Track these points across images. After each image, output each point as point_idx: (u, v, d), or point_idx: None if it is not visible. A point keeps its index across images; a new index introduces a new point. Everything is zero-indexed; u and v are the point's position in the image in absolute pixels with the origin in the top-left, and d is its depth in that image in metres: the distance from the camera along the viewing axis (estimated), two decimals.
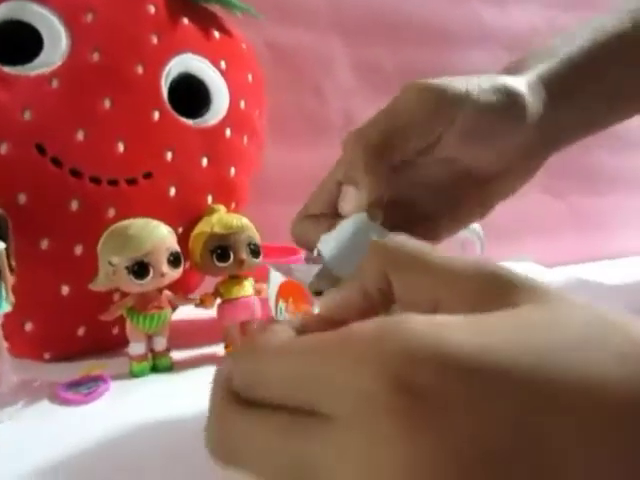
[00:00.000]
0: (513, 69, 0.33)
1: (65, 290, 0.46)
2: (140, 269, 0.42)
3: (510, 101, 0.29)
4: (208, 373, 0.43)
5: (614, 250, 1.00)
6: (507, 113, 0.30)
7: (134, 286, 0.43)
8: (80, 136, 0.45)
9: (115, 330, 0.49)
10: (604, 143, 0.98)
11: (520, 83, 0.31)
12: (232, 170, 0.54)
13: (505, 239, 0.88)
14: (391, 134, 0.28)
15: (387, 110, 0.29)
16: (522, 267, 0.85)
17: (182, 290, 0.53)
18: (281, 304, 0.39)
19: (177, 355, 0.49)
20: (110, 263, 0.42)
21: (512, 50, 0.87)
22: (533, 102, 0.31)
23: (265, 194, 0.67)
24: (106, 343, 0.50)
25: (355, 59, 0.77)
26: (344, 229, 0.28)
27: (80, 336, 0.48)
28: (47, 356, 0.48)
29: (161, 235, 0.44)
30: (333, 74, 0.76)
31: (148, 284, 0.43)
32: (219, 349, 0.50)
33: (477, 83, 0.29)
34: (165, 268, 0.44)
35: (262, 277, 0.51)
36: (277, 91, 0.69)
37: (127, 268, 0.42)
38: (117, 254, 0.42)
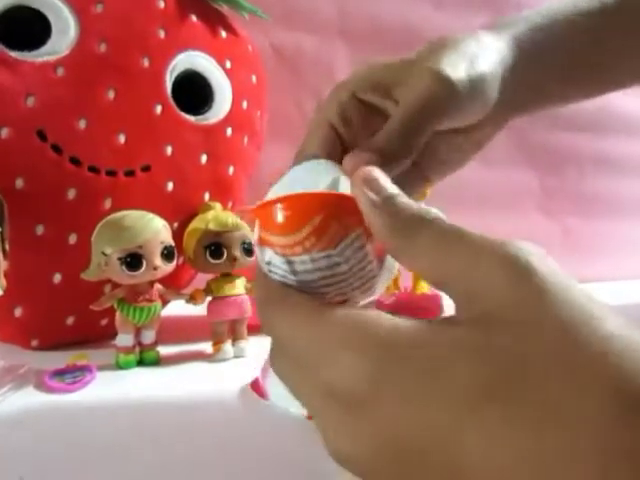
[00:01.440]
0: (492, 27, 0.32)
1: (57, 278, 0.46)
2: (133, 261, 0.42)
3: (489, 89, 0.28)
4: (194, 369, 0.43)
5: (605, 273, 1.00)
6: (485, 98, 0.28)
7: (126, 277, 0.43)
8: (82, 125, 0.46)
9: (104, 321, 0.49)
10: (601, 168, 1.00)
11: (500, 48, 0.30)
12: (231, 169, 0.55)
13: None
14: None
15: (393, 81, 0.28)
16: None
17: (174, 285, 0.53)
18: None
19: (164, 350, 0.49)
20: (103, 253, 0.42)
21: None
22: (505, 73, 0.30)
23: (259, 197, 0.67)
24: (94, 334, 0.50)
25: (357, 62, 0.77)
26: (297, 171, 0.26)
27: (69, 325, 0.48)
28: (35, 343, 0.48)
29: (156, 228, 0.44)
30: (335, 79, 0.76)
31: (140, 276, 0.43)
32: (207, 346, 0.50)
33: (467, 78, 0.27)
34: (158, 261, 0.44)
35: (254, 277, 0.51)
36: (279, 92, 0.70)
37: (120, 259, 0.42)
38: (110, 245, 0.42)
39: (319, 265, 0.21)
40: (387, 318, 0.18)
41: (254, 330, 0.55)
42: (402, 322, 0.18)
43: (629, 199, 1.04)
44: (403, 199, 0.20)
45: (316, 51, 0.74)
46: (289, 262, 0.21)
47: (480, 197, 0.89)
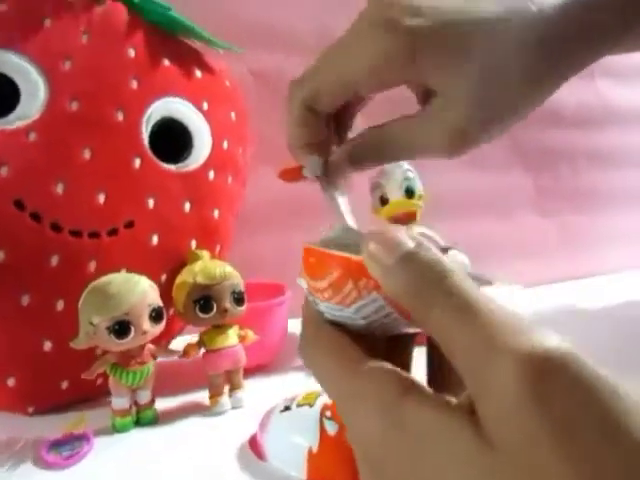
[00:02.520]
0: None
1: (47, 345, 0.45)
2: (121, 328, 0.42)
3: None
4: (192, 425, 0.43)
5: (604, 267, 1.00)
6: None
7: (115, 345, 0.43)
8: (60, 189, 0.45)
9: (99, 381, 0.48)
10: (594, 162, 0.98)
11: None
12: (216, 212, 0.54)
13: (495, 261, 0.88)
14: None
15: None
16: (511, 293, 0.85)
17: (167, 335, 0.53)
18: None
19: (161, 404, 0.49)
20: (90, 323, 0.42)
21: None
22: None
23: (249, 225, 0.66)
24: (90, 394, 0.49)
25: None
26: None
27: (64, 389, 0.47)
28: (31, 410, 0.47)
29: (142, 291, 0.43)
30: None
31: (129, 343, 0.43)
32: (204, 396, 0.50)
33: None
34: (146, 325, 0.43)
35: (245, 322, 0.51)
36: (262, 119, 0.68)
37: (108, 328, 0.42)
38: (97, 314, 0.42)
39: (340, 314, 0.23)
40: (417, 392, 0.18)
41: (253, 372, 0.55)
42: (426, 402, 0.18)
43: (623, 191, 1.03)
44: (418, 256, 0.19)
45: (297, 72, 0.72)
46: (315, 303, 0.23)
47: (475, 201, 0.88)
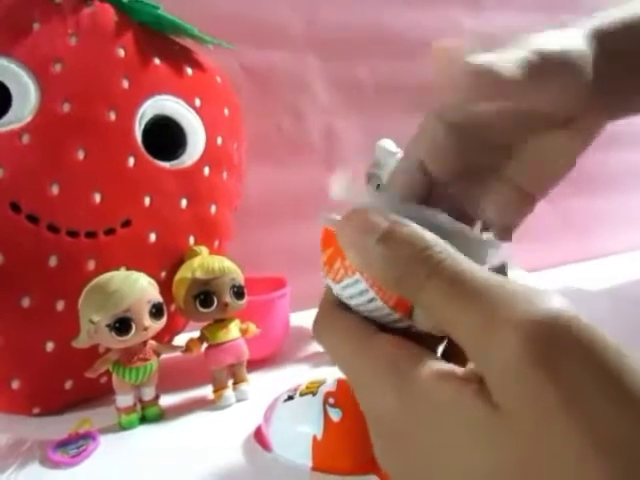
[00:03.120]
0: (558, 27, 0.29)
1: (50, 346, 0.46)
2: (122, 325, 0.42)
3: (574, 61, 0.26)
4: (197, 419, 0.43)
5: (606, 249, 1.00)
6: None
7: (117, 343, 0.43)
8: (55, 190, 0.45)
9: (103, 379, 0.49)
10: (595, 144, 0.98)
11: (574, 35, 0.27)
12: (213, 208, 0.54)
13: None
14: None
15: None
16: (511, 275, 0.85)
17: (169, 332, 0.53)
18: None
19: (166, 400, 0.49)
20: (91, 321, 0.42)
21: None
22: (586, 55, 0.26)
23: (247, 220, 0.66)
24: (95, 393, 0.50)
25: (332, 76, 0.76)
26: None
27: (68, 389, 0.48)
28: (36, 411, 0.47)
29: (141, 288, 0.43)
30: (311, 93, 0.75)
31: (131, 339, 0.43)
32: (208, 391, 0.50)
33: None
34: (147, 321, 0.43)
35: (247, 316, 0.51)
36: (255, 114, 0.68)
37: (108, 326, 0.42)
38: (97, 312, 0.42)
39: (335, 291, 0.23)
40: (428, 364, 0.18)
41: (256, 365, 0.55)
42: (437, 373, 0.18)
43: (625, 172, 1.02)
44: (394, 235, 0.18)
45: (288, 66, 0.72)
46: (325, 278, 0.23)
47: None
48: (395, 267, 0.18)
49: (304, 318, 0.67)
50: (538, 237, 0.94)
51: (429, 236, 0.18)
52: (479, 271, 0.17)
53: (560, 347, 0.15)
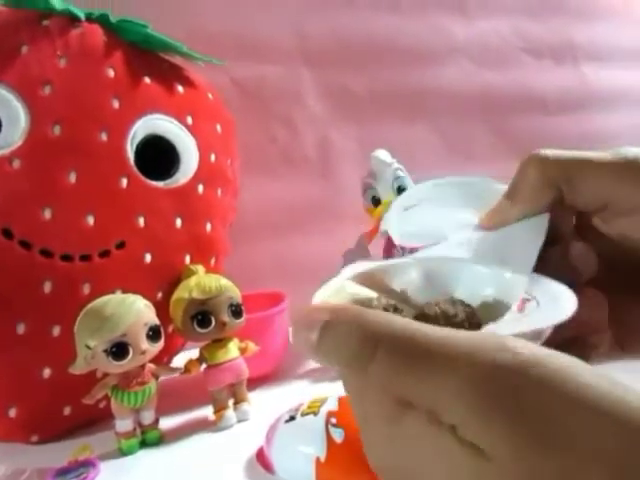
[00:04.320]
0: None
1: (47, 372, 0.45)
2: (119, 350, 0.42)
3: None
4: (198, 442, 0.42)
5: None
6: None
7: (114, 368, 0.42)
8: (47, 215, 0.44)
9: (102, 404, 0.48)
10: (583, 147, 0.98)
11: None
12: (208, 225, 0.54)
13: None
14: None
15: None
16: None
17: (168, 353, 0.52)
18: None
19: (166, 422, 0.48)
20: (87, 347, 0.42)
21: (481, 62, 0.87)
22: None
23: (242, 234, 0.66)
24: (94, 418, 0.49)
25: (325, 87, 0.76)
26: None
27: (66, 415, 0.47)
28: (34, 438, 0.47)
29: (138, 311, 0.43)
30: (304, 105, 0.75)
31: (128, 364, 0.42)
32: (208, 411, 0.49)
33: None
34: (144, 345, 0.43)
35: (246, 333, 0.50)
36: (249, 128, 0.68)
37: (105, 351, 0.41)
38: (93, 337, 0.41)
39: None
40: None
41: (256, 382, 0.55)
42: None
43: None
44: (334, 324, 0.18)
45: (280, 79, 0.72)
46: None
47: None
48: (339, 353, 0.18)
49: None
50: None
51: (368, 312, 0.18)
52: (419, 328, 0.17)
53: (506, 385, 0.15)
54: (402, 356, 0.17)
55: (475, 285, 0.23)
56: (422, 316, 0.21)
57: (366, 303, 0.23)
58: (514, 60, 0.90)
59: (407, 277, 0.25)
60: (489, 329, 0.20)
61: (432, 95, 0.81)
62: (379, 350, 0.17)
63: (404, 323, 0.18)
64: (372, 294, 0.24)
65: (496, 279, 0.23)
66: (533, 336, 0.18)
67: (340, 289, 0.24)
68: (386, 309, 0.22)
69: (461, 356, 0.16)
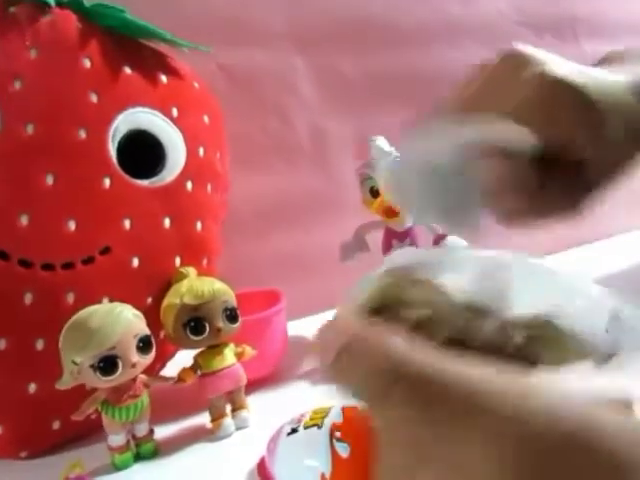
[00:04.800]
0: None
1: (32, 388, 0.43)
2: (107, 365, 0.39)
3: None
4: (195, 453, 0.40)
5: (602, 231, 0.98)
6: None
7: (103, 383, 0.40)
8: (24, 221, 0.41)
9: (93, 415, 0.46)
10: None
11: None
12: (198, 225, 0.51)
13: (493, 236, 0.86)
14: None
15: None
16: None
17: (160, 360, 0.50)
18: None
19: (161, 432, 0.46)
20: (73, 362, 0.39)
21: (481, 42, 0.83)
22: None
23: (234, 229, 0.63)
24: (85, 431, 0.47)
25: (316, 72, 0.72)
26: None
27: (56, 430, 0.45)
28: (24, 454, 0.45)
29: (126, 322, 0.40)
30: (296, 92, 0.71)
31: (118, 378, 0.40)
32: (204, 419, 0.47)
33: None
34: (135, 357, 0.40)
35: (242, 336, 0.48)
36: (238, 117, 0.65)
37: (92, 366, 0.39)
38: (79, 352, 0.39)
39: None
40: None
41: (254, 386, 0.52)
42: None
43: None
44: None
45: (270, 65, 0.68)
46: None
47: None
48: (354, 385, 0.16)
49: (301, 327, 0.64)
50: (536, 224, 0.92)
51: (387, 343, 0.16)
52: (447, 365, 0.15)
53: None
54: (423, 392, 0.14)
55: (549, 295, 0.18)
56: (457, 342, 0.16)
57: (393, 312, 0.18)
58: (514, 38, 0.86)
59: (456, 277, 0.19)
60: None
61: (430, 78, 0.77)
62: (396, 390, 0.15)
63: (427, 360, 0.15)
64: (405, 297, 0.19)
65: (579, 293, 0.18)
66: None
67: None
68: (418, 326, 0.17)
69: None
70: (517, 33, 0.87)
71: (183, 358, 0.49)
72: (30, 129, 0.42)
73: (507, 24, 0.85)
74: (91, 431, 0.47)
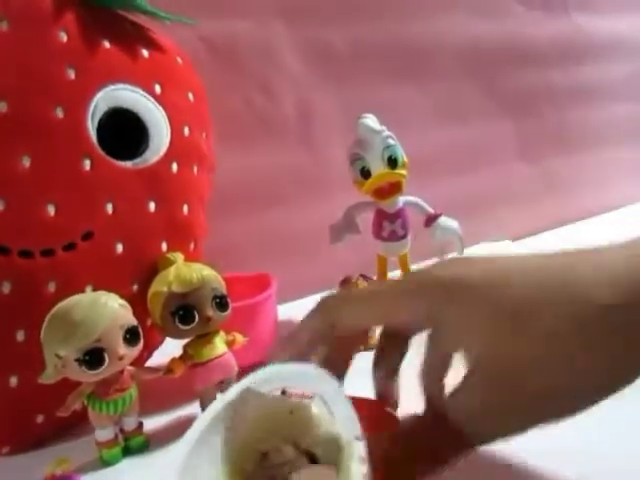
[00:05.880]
0: None
1: (13, 381, 0.41)
2: (93, 358, 0.37)
3: None
4: None
5: (593, 208, 0.98)
6: None
7: (89, 377, 0.38)
8: (0, 206, 0.39)
9: (78, 408, 0.44)
10: (576, 100, 0.94)
11: None
12: (185, 208, 0.49)
13: (481, 214, 0.85)
14: None
15: None
16: (500, 248, 0.82)
17: (147, 349, 0.48)
18: None
19: (150, 424, 0.45)
20: (57, 355, 0.37)
21: (473, 13, 0.81)
22: None
23: (219, 209, 0.60)
24: (70, 424, 0.45)
25: (303, 43, 0.69)
26: None
27: (39, 423, 0.43)
28: (6, 450, 0.43)
29: (112, 313, 0.38)
30: (280, 63, 0.68)
31: (105, 372, 0.38)
32: (195, 410, 0.46)
33: None
34: (122, 349, 0.38)
35: (231, 323, 0.47)
36: (221, 92, 0.62)
37: (77, 360, 0.37)
38: (63, 346, 0.37)
39: None
40: None
41: (245, 373, 0.51)
42: None
43: (609, 126, 0.99)
44: None
45: (254, 36, 0.65)
46: None
47: (456, 155, 0.83)
48: None
49: (291, 310, 0.63)
50: (524, 201, 0.92)
51: None
52: None
53: None
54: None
55: None
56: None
57: None
58: (504, 9, 0.84)
59: None
60: None
61: (419, 51, 0.75)
62: None
63: None
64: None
65: None
66: None
67: None
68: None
69: None
70: (507, 4, 0.85)
71: (170, 347, 0.48)
72: (2, 107, 0.39)
73: None
74: (77, 423, 0.45)
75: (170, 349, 0.47)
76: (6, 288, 0.39)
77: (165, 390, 0.49)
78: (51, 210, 0.41)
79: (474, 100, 0.83)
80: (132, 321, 0.40)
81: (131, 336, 0.39)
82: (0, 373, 0.40)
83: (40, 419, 0.43)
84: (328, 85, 0.70)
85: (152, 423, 0.45)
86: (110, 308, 0.38)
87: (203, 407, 0.45)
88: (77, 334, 0.37)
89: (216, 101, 0.56)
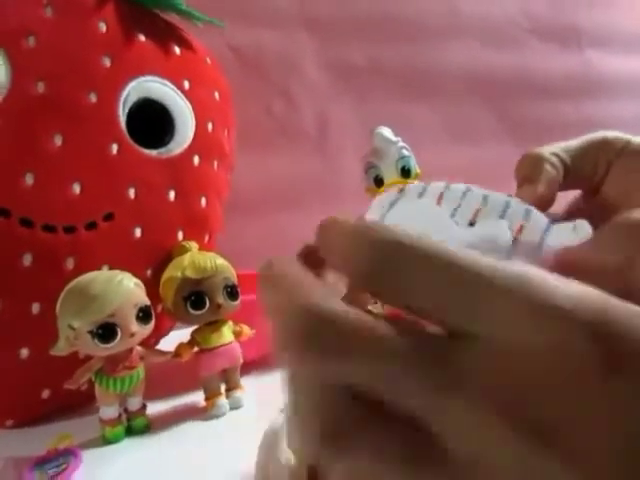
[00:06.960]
0: None
1: (24, 353, 0.41)
2: (105, 332, 0.38)
3: None
4: (188, 431, 0.38)
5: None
6: None
7: (100, 350, 0.39)
8: (29, 180, 0.40)
9: (84, 386, 0.44)
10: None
11: None
12: (203, 200, 0.50)
13: None
14: None
15: None
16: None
17: (155, 334, 0.49)
18: None
19: (153, 408, 0.45)
20: (71, 327, 0.38)
21: (486, 41, 0.84)
22: None
23: (236, 211, 0.62)
24: (75, 402, 0.46)
25: (325, 57, 0.72)
26: None
27: (45, 399, 0.44)
28: (10, 423, 0.43)
29: (127, 290, 0.39)
30: (303, 75, 0.71)
31: (116, 347, 0.39)
32: (198, 397, 0.46)
33: None
34: (134, 327, 0.39)
35: (239, 316, 0.47)
36: (244, 98, 0.64)
37: (90, 332, 0.38)
38: (78, 317, 0.38)
39: None
40: None
41: (247, 367, 0.52)
42: None
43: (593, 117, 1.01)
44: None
45: (279, 47, 0.68)
46: None
47: (468, 176, 0.85)
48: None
49: None
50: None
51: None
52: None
53: None
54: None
55: None
56: None
57: None
58: (520, 41, 0.87)
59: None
60: None
61: (435, 73, 0.78)
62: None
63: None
64: None
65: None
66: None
67: None
68: None
69: None
70: (522, 38, 0.87)
71: (176, 338, 0.48)
72: (41, 87, 0.41)
73: (513, 28, 0.86)
74: (82, 402, 0.46)
75: (176, 342, 0.48)
76: (27, 260, 0.40)
77: (170, 377, 0.49)
78: (77, 189, 0.42)
79: (486, 124, 0.85)
80: (145, 301, 0.41)
81: (144, 315, 0.40)
82: (12, 344, 0.41)
83: (46, 394, 0.44)
84: (346, 98, 0.72)
85: (155, 407, 0.46)
86: (125, 286, 0.40)
87: (207, 396, 0.45)
88: (92, 307, 0.38)
89: (239, 107, 0.58)
